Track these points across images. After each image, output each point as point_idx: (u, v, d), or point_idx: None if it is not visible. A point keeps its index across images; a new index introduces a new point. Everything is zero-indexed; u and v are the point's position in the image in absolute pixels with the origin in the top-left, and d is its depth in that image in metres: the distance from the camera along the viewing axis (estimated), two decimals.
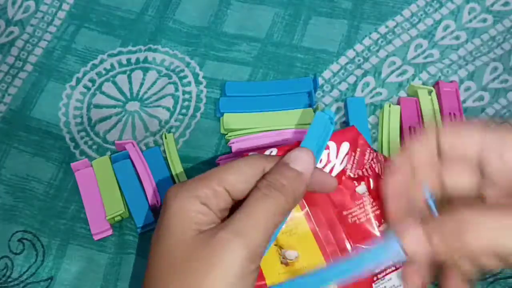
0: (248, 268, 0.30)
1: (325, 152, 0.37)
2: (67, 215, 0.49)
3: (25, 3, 0.60)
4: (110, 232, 0.47)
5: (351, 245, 0.37)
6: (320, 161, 0.37)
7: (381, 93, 0.54)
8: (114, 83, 0.55)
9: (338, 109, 0.53)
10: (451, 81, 0.53)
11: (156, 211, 0.48)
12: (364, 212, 0.37)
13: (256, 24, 0.58)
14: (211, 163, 0.50)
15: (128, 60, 0.56)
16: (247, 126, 0.50)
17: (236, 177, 0.32)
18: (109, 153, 0.51)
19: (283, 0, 0.59)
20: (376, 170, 0.38)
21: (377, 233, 0.37)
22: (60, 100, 0.54)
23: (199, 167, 0.50)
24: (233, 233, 0.30)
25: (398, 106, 0.51)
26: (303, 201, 0.37)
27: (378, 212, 0.37)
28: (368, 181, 0.38)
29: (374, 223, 0.37)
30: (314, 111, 0.51)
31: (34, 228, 0.48)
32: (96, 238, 0.47)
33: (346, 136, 0.38)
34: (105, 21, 0.58)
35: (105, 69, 0.56)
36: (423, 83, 0.54)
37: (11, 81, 0.55)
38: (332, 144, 0.37)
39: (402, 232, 0.30)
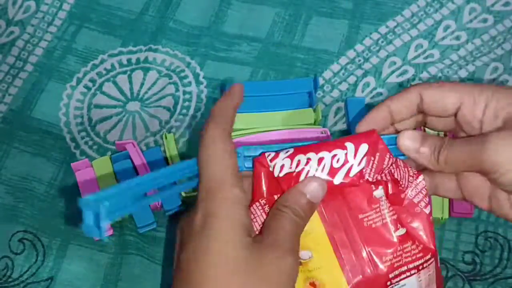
0: (295, 277, 0.35)
1: (342, 152, 0.37)
2: (67, 215, 0.49)
3: (25, 3, 0.60)
4: (110, 232, 0.47)
5: (365, 249, 0.37)
6: (338, 160, 0.37)
7: (381, 93, 0.54)
8: (115, 83, 0.55)
9: (338, 109, 0.53)
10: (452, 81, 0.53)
11: (157, 211, 0.48)
12: (381, 216, 0.37)
13: (256, 24, 0.58)
14: None
15: (129, 60, 0.56)
16: (248, 126, 0.50)
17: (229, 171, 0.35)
18: (109, 153, 0.51)
19: (284, 0, 0.59)
20: (395, 175, 0.37)
21: (394, 239, 0.37)
22: (61, 100, 0.54)
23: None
24: (287, 251, 0.34)
25: None
26: (320, 203, 0.37)
27: (395, 217, 0.37)
28: (387, 186, 0.37)
29: (391, 227, 0.37)
30: (314, 111, 0.51)
31: (34, 228, 0.48)
32: (96, 238, 0.47)
33: (366, 139, 0.37)
34: (106, 21, 0.58)
35: (105, 69, 0.56)
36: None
37: (12, 81, 0.55)
38: (349, 145, 0.37)
39: (405, 132, 0.37)
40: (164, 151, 0.50)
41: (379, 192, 0.37)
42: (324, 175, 0.36)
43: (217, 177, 0.34)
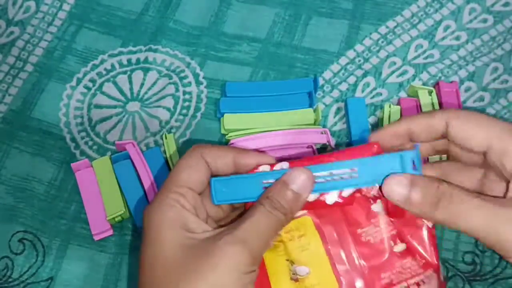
0: (247, 268, 0.33)
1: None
2: (67, 216, 0.49)
3: (25, 4, 0.60)
4: (110, 232, 0.47)
5: (363, 265, 0.36)
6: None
7: (381, 94, 0.54)
8: (115, 83, 0.55)
9: (338, 109, 0.53)
10: (452, 82, 0.53)
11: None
12: (379, 231, 0.36)
13: (256, 24, 0.58)
14: None
15: (129, 60, 0.56)
16: (248, 126, 0.50)
17: (193, 177, 0.37)
18: (109, 153, 0.51)
19: (284, 1, 0.59)
20: None
21: (393, 254, 0.35)
22: (61, 101, 0.54)
23: None
24: (239, 240, 0.33)
25: (399, 107, 0.51)
26: (318, 218, 0.37)
27: (394, 232, 0.36)
28: (386, 200, 0.36)
29: (389, 243, 0.36)
30: (314, 111, 0.51)
31: (34, 228, 0.48)
32: (96, 238, 0.47)
33: (366, 153, 0.36)
34: (106, 21, 0.58)
35: (105, 69, 0.56)
36: (424, 84, 0.54)
37: (12, 81, 0.55)
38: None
39: (390, 177, 0.34)
40: (164, 151, 0.50)
41: (377, 206, 0.36)
42: (316, 195, 0.36)
43: (171, 179, 0.36)
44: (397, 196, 0.34)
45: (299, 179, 0.35)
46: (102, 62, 0.56)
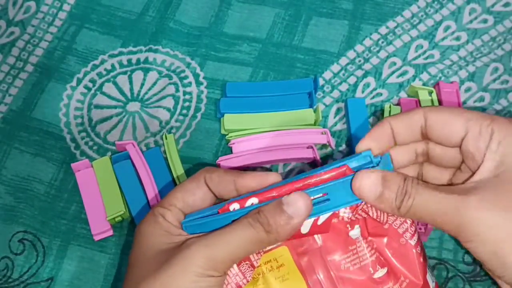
0: (203, 271, 0.33)
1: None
2: (67, 216, 0.49)
3: (26, 4, 0.60)
4: (110, 232, 0.47)
5: None
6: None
7: (381, 94, 0.54)
8: (115, 83, 0.55)
9: (338, 109, 0.53)
10: (452, 82, 0.53)
11: None
12: (358, 258, 0.35)
13: (256, 24, 0.58)
14: (211, 164, 0.50)
15: (129, 60, 0.56)
16: (248, 126, 0.50)
17: (184, 197, 0.38)
18: (109, 153, 0.51)
19: (284, 1, 0.59)
20: (370, 214, 0.35)
21: (374, 281, 0.34)
22: (61, 101, 0.54)
23: (200, 168, 0.50)
24: (200, 243, 0.33)
25: (399, 107, 0.51)
26: (294, 249, 0.35)
27: (374, 258, 0.35)
28: (364, 223, 0.35)
29: (370, 269, 0.35)
30: (315, 112, 0.51)
31: (34, 229, 0.48)
32: (96, 238, 0.47)
33: (338, 175, 0.34)
34: (106, 21, 0.58)
35: (105, 69, 0.56)
36: (424, 84, 0.54)
37: (12, 82, 0.55)
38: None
39: (361, 173, 0.33)
40: (164, 152, 0.50)
41: (355, 233, 0.35)
42: None
43: (166, 197, 0.38)
44: (368, 192, 0.33)
45: (295, 203, 0.33)
46: (102, 62, 0.56)
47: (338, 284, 0.35)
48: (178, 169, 0.49)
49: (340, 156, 0.51)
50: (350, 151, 0.51)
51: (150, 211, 0.38)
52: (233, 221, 0.35)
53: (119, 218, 0.47)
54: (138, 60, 0.56)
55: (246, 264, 0.35)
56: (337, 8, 0.58)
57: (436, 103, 0.51)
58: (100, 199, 0.48)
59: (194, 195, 0.38)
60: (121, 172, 0.49)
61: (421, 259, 0.36)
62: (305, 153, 0.49)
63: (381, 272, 0.35)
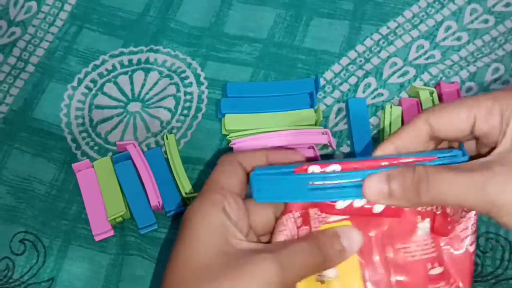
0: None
1: None
2: (68, 216, 0.49)
3: (27, 4, 0.60)
4: (111, 233, 0.47)
5: (394, 279, 0.34)
6: None
7: (382, 94, 0.54)
8: (116, 83, 0.55)
9: (339, 110, 0.53)
10: (453, 82, 0.53)
11: (157, 212, 0.48)
12: (420, 251, 0.35)
13: (257, 25, 0.58)
14: (212, 164, 0.50)
15: (130, 61, 0.56)
16: (249, 127, 0.50)
17: (233, 181, 0.36)
18: (110, 154, 0.51)
19: (285, 1, 0.59)
20: (447, 209, 0.35)
21: (427, 277, 0.34)
22: (62, 101, 0.54)
23: (201, 168, 0.50)
24: (275, 259, 0.32)
25: (400, 107, 0.51)
26: (358, 224, 0.35)
27: (434, 254, 0.35)
28: (434, 218, 0.35)
29: (428, 265, 0.35)
30: (315, 112, 0.51)
31: (35, 229, 0.48)
32: (97, 239, 0.47)
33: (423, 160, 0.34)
34: (107, 21, 0.58)
35: (106, 69, 0.56)
36: (425, 84, 0.54)
37: (13, 82, 0.55)
38: None
39: (366, 180, 0.33)
40: (165, 152, 0.50)
41: (424, 225, 0.35)
42: (363, 201, 0.34)
43: (212, 182, 0.36)
44: (378, 194, 0.33)
45: (351, 237, 0.35)
46: (103, 62, 0.56)
47: (392, 270, 0.35)
48: (179, 169, 0.49)
49: (341, 156, 0.51)
50: (352, 152, 0.51)
51: (200, 198, 0.36)
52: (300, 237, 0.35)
53: (120, 218, 0.47)
54: (139, 60, 0.56)
55: (305, 229, 0.35)
56: (338, 8, 0.58)
57: (437, 103, 0.51)
58: (101, 199, 0.48)
59: (236, 175, 0.37)
60: (122, 172, 0.49)
61: (473, 268, 0.36)
62: (306, 154, 0.49)
63: (437, 270, 0.35)
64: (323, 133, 0.49)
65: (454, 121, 0.35)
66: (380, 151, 0.36)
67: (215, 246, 0.33)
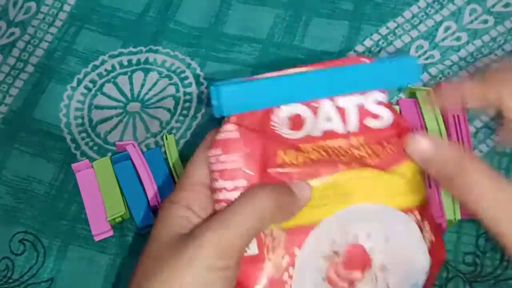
0: (214, 264, 0.30)
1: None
2: (68, 216, 0.49)
3: (26, 4, 0.60)
4: (111, 233, 0.47)
5: None
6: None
7: None
8: (115, 84, 0.55)
9: None
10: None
11: (157, 212, 0.48)
12: None
13: (257, 25, 0.58)
14: None
15: (129, 61, 0.56)
16: None
17: (202, 166, 0.34)
18: (110, 154, 0.51)
19: (284, 1, 0.59)
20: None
21: None
22: (61, 101, 0.54)
23: None
24: (205, 229, 0.30)
25: (397, 106, 0.51)
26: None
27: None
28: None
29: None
30: None
31: (35, 229, 0.48)
32: (96, 239, 0.47)
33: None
34: (106, 22, 0.58)
35: (106, 70, 0.56)
36: (424, 85, 0.54)
37: (12, 82, 0.55)
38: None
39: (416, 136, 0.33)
40: (165, 152, 0.50)
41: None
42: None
43: (185, 175, 0.35)
44: (423, 151, 0.33)
45: (301, 185, 0.33)
46: (102, 63, 0.56)
47: None
48: (178, 170, 0.49)
49: None
50: None
51: (171, 195, 0.35)
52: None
53: (120, 218, 0.47)
54: (138, 61, 0.56)
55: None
56: (337, 8, 0.58)
57: (434, 103, 0.51)
58: (101, 199, 0.48)
59: (203, 168, 0.35)
60: (122, 172, 0.49)
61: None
62: None
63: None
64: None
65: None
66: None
67: (169, 238, 0.32)
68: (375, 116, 0.36)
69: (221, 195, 0.33)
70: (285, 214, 0.32)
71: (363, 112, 0.36)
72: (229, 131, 0.33)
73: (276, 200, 0.31)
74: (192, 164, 0.35)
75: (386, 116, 0.36)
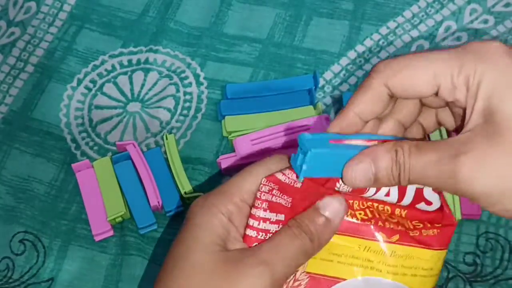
0: None
1: None
2: (68, 216, 0.49)
3: (26, 4, 0.60)
4: (111, 233, 0.47)
5: None
6: None
7: None
8: (115, 84, 0.55)
9: (339, 110, 0.53)
10: None
11: (157, 212, 0.48)
12: None
13: (257, 25, 0.58)
14: (212, 164, 0.50)
15: (129, 61, 0.56)
16: (249, 127, 0.50)
17: (256, 186, 0.34)
18: (110, 154, 0.51)
19: (284, 1, 0.59)
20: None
21: None
22: (61, 101, 0.54)
23: (200, 168, 0.50)
24: (261, 261, 0.32)
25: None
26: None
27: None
28: None
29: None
30: (315, 108, 0.51)
31: (35, 229, 0.48)
32: (97, 239, 0.47)
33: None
34: (106, 22, 0.58)
35: (106, 70, 0.56)
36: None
37: (12, 82, 0.55)
38: None
39: (349, 164, 0.32)
40: (165, 152, 0.50)
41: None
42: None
43: (223, 187, 0.35)
44: (365, 182, 0.31)
45: (332, 205, 0.33)
46: (102, 62, 0.56)
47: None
48: (178, 169, 0.49)
49: None
50: None
51: (211, 197, 0.34)
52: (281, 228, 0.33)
53: (120, 218, 0.47)
54: (138, 61, 0.56)
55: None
56: (337, 8, 0.58)
57: None
58: (101, 199, 0.48)
59: (246, 182, 0.34)
60: (122, 172, 0.49)
61: None
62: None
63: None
64: (325, 119, 0.50)
65: (415, 88, 0.31)
66: (341, 120, 0.33)
67: (210, 246, 0.32)
68: (428, 203, 0.35)
69: (262, 225, 0.34)
70: (320, 242, 0.33)
71: (419, 193, 0.35)
72: (293, 179, 0.34)
73: (308, 234, 0.33)
74: (248, 174, 0.34)
75: (435, 202, 0.36)
